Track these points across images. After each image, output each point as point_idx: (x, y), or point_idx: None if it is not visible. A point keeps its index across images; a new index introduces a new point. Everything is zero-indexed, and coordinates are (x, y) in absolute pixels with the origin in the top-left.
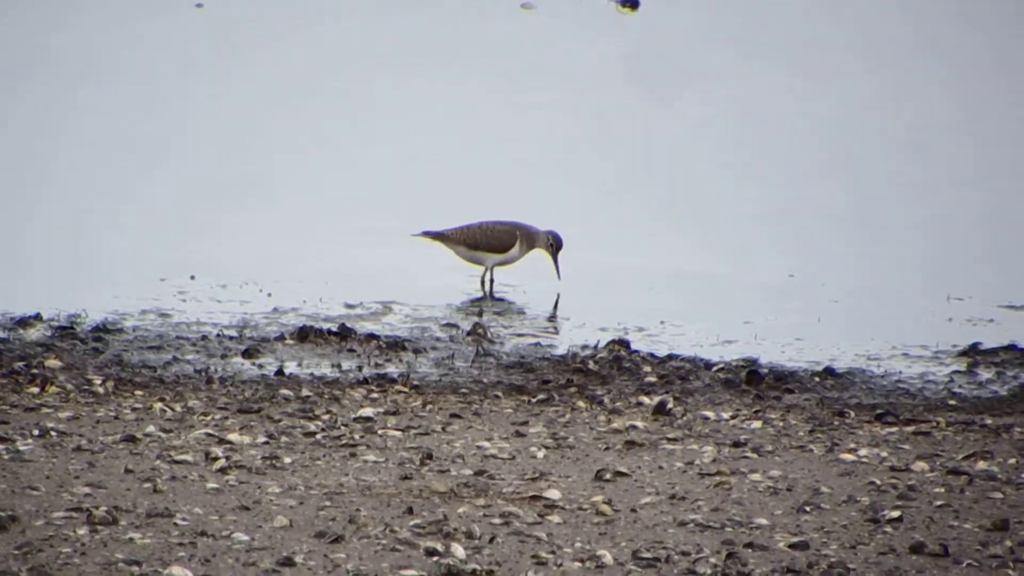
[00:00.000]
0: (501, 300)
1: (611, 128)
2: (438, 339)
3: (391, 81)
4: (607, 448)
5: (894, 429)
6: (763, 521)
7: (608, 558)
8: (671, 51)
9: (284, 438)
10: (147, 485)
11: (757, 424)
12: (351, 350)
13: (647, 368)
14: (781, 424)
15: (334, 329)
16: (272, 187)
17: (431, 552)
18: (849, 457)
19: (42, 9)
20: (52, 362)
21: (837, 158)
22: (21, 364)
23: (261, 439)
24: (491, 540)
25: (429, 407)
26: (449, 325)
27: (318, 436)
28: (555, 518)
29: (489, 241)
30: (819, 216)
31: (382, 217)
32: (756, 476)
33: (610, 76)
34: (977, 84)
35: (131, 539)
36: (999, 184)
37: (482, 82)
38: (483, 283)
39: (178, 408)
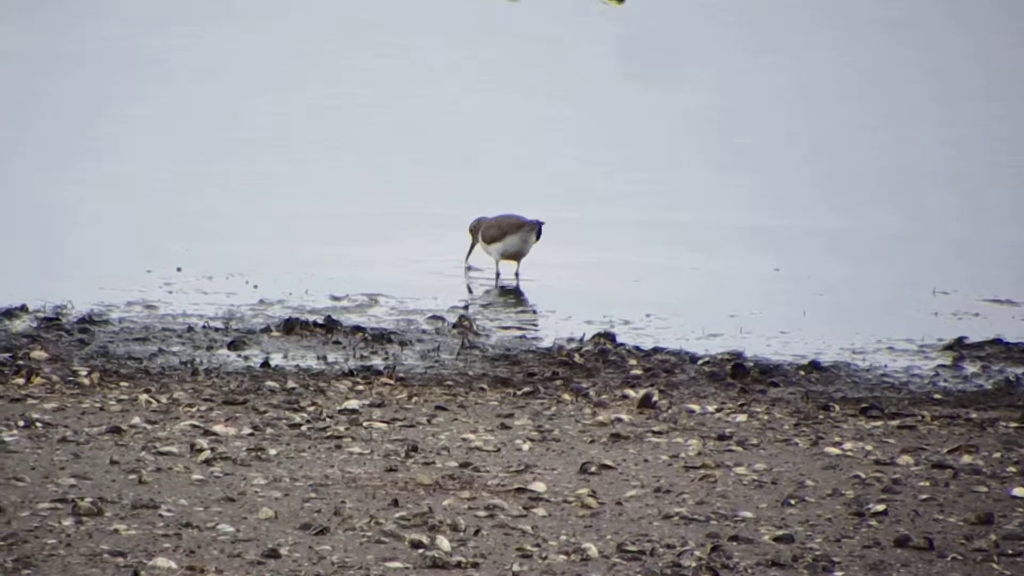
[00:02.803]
0: (487, 293)
1: (597, 119)
2: (424, 331)
3: (377, 70)
4: (592, 441)
5: (879, 423)
6: (748, 514)
7: (593, 551)
8: (657, 40)
9: (269, 430)
10: (132, 476)
11: (742, 417)
12: (337, 342)
13: (633, 361)
14: (766, 417)
15: (320, 321)
16: (259, 178)
17: (416, 544)
18: (834, 451)
19: (54, 11)
20: (38, 353)
21: (822, 151)
22: (6, 355)
23: (246, 431)
24: (476, 532)
25: (414, 399)
26: (435, 318)
27: (303, 428)
28: (540, 511)
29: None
30: (805, 209)
31: (368, 208)
32: (741, 469)
33: (595, 67)
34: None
35: (116, 530)
36: (984, 177)
37: (468, 72)
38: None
39: (163, 400)
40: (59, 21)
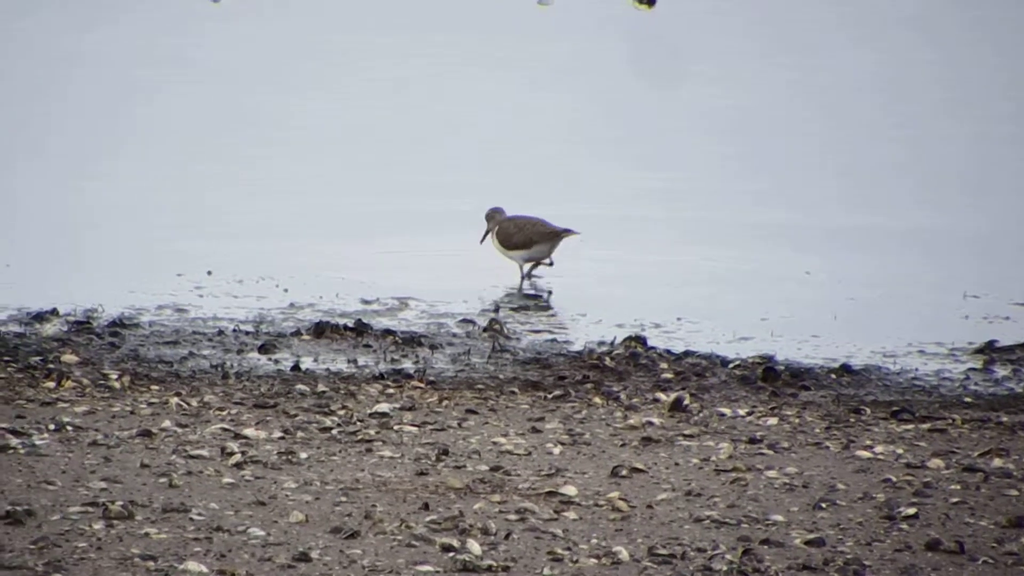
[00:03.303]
0: (518, 296)
1: (626, 122)
2: (454, 335)
3: (408, 75)
4: (623, 444)
5: (910, 426)
6: (779, 518)
7: (624, 554)
8: (684, 44)
9: (300, 433)
10: (163, 480)
11: (773, 421)
12: (367, 346)
13: (663, 364)
14: (797, 421)
15: (350, 325)
16: (289, 182)
17: (447, 548)
18: (865, 454)
19: (66, 8)
20: (68, 357)
21: (852, 155)
22: (37, 359)
23: (277, 434)
24: (507, 536)
25: (445, 403)
26: (465, 321)
27: (334, 431)
28: (571, 514)
29: None
30: (836, 212)
31: (400, 212)
32: (772, 473)
33: (623, 71)
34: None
35: (147, 534)
36: (1016, 181)
37: (500, 77)
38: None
39: (194, 403)
40: (77, 19)
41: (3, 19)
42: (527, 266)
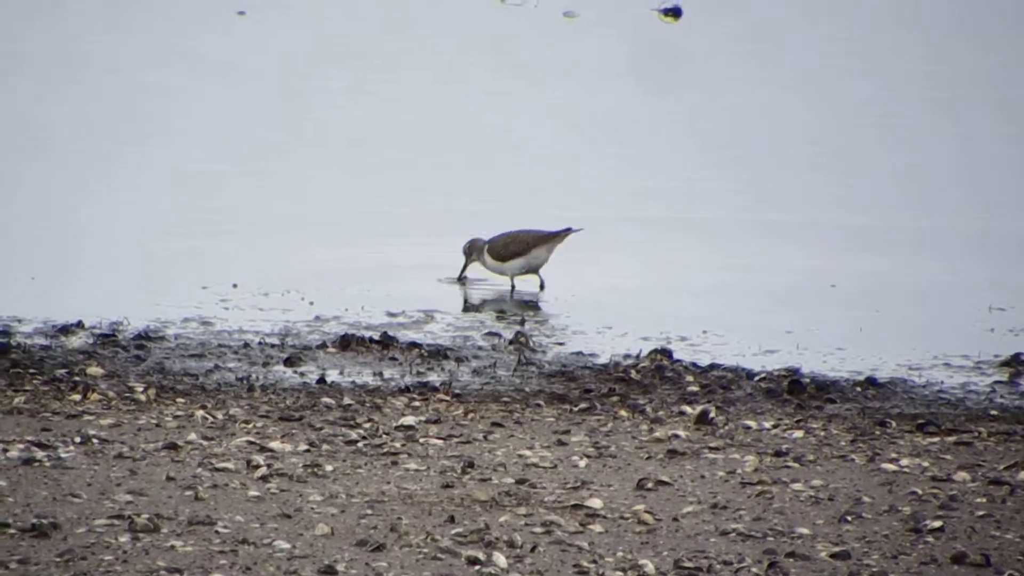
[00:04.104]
0: (543, 309)
1: (651, 135)
2: (480, 348)
3: (435, 85)
4: (649, 457)
5: (935, 439)
6: (805, 530)
7: (650, 568)
8: (708, 56)
9: (326, 446)
10: (188, 493)
11: (799, 433)
12: (393, 358)
13: (689, 377)
14: (823, 434)
15: (376, 337)
16: (314, 195)
17: (473, 561)
18: (891, 467)
19: (88, 16)
20: (94, 369)
21: (878, 169)
22: (63, 371)
23: (302, 447)
24: (533, 549)
25: (471, 416)
26: (491, 334)
27: (360, 444)
28: (597, 527)
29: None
30: (860, 226)
31: (426, 225)
32: (798, 485)
33: (648, 83)
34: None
35: (172, 547)
36: None
37: (527, 88)
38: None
39: (220, 416)
40: (97, 23)
41: (37, 20)
42: (518, 279)
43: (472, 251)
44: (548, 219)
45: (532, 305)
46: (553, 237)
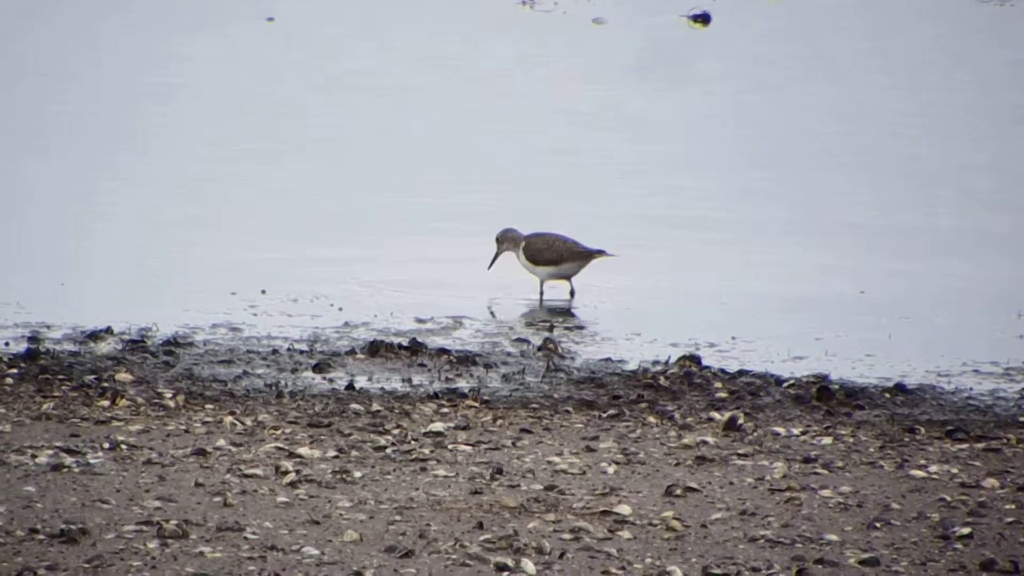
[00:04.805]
0: (572, 315)
1: (679, 144)
2: (509, 354)
3: (462, 92)
4: (677, 463)
5: (964, 446)
6: (833, 537)
7: (678, 574)
8: (736, 59)
9: (354, 452)
10: (217, 499)
11: (827, 440)
12: (422, 364)
13: (718, 384)
14: (851, 440)
15: (405, 343)
16: (343, 202)
17: (501, 567)
18: (919, 473)
19: (115, 21)
20: (123, 375)
21: (905, 175)
22: (92, 377)
23: (331, 453)
24: (561, 555)
25: (499, 422)
26: (520, 340)
27: (388, 450)
28: (625, 533)
29: None
30: (890, 232)
31: (454, 231)
32: (826, 492)
33: (680, 91)
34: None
35: (201, 553)
36: None
37: (554, 90)
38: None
39: (248, 422)
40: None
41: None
42: (547, 284)
43: (504, 241)
44: (581, 218)
45: (561, 311)
46: (587, 255)
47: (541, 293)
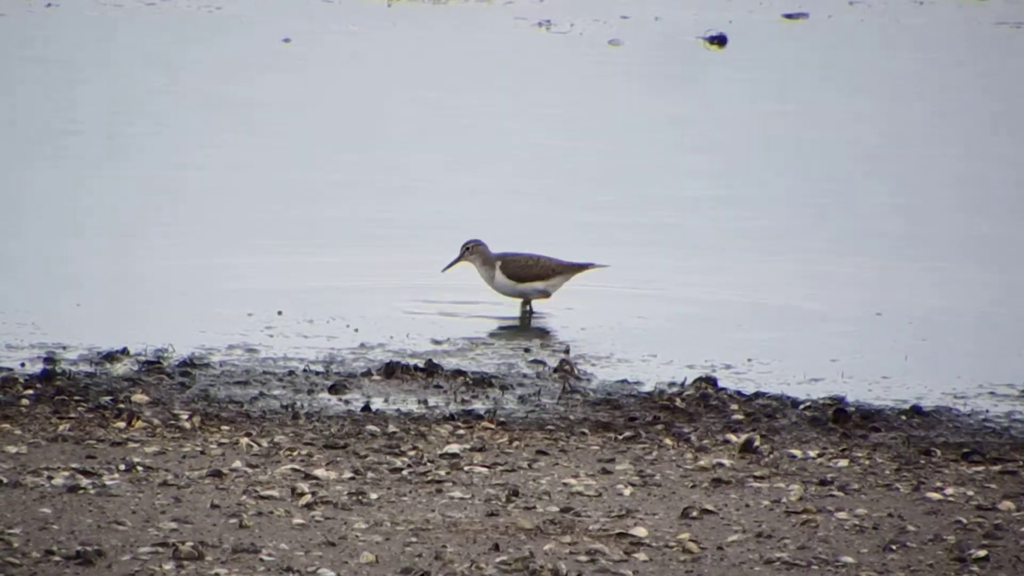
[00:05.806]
0: (587, 337)
1: (690, 162)
2: (525, 375)
3: (484, 115)
4: (694, 486)
5: (980, 468)
6: (849, 559)
7: None
8: (752, 79)
9: (370, 474)
10: (233, 520)
11: (844, 462)
12: (438, 386)
13: (734, 406)
14: (867, 462)
15: (420, 365)
16: (359, 224)
17: None
18: (935, 496)
19: (133, 39)
20: (139, 397)
21: (923, 196)
22: (108, 398)
23: (347, 475)
24: None
25: (515, 444)
26: (536, 362)
27: (404, 472)
28: (641, 556)
29: None
30: (906, 253)
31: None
32: (842, 514)
33: (688, 111)
34: None
35: (217, 574)
36: None
37: (573, 107)
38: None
39: (264, 443)
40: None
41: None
42: (533, 302)
43: (473, 253)
44: (599, 231)
45: (577, 333)
46: (577, 268)
47: (529, 312)
